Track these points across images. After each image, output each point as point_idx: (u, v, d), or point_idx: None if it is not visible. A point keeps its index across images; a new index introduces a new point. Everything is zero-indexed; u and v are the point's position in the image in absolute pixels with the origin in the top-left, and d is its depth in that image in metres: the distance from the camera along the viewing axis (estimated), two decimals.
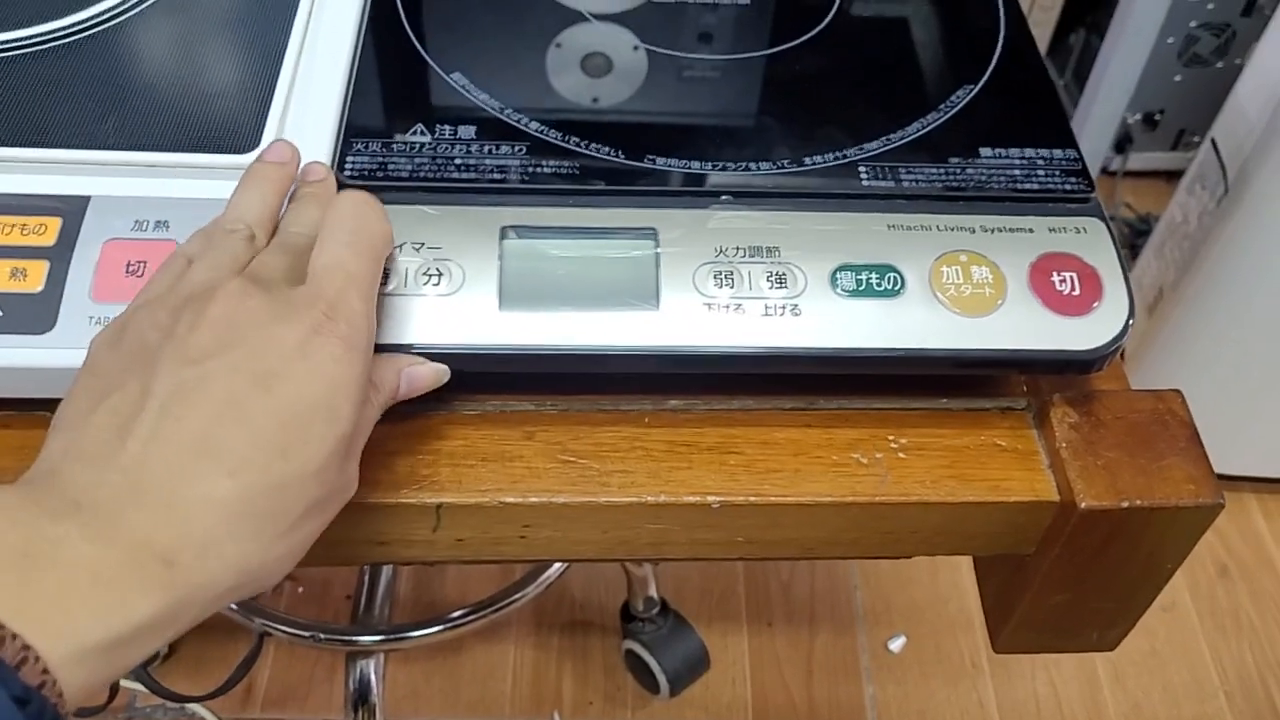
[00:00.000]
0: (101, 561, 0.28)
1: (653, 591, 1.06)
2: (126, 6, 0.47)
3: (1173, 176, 1.40)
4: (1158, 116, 1.54)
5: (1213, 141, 1.14)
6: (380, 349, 0.37)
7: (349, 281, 0.35)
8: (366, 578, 0.94)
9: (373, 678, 0.86)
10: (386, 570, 0.96)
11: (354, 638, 0.88)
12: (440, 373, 0.39)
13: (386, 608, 0.93)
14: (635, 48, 0.50)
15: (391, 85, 0.47)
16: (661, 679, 1.07)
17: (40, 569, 0.28)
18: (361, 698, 0.85)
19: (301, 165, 0.41)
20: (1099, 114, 1.43)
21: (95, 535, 0.29)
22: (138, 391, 0.32)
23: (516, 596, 0.98)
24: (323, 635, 0.89)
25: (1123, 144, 1.56)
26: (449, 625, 0.94)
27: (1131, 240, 1.54)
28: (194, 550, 0.30)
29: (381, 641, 0.89)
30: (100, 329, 0.36)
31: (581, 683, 1.13)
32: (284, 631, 0.91)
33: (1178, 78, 1.49)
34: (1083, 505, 0.40)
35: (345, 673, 0.87)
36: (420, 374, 0.39)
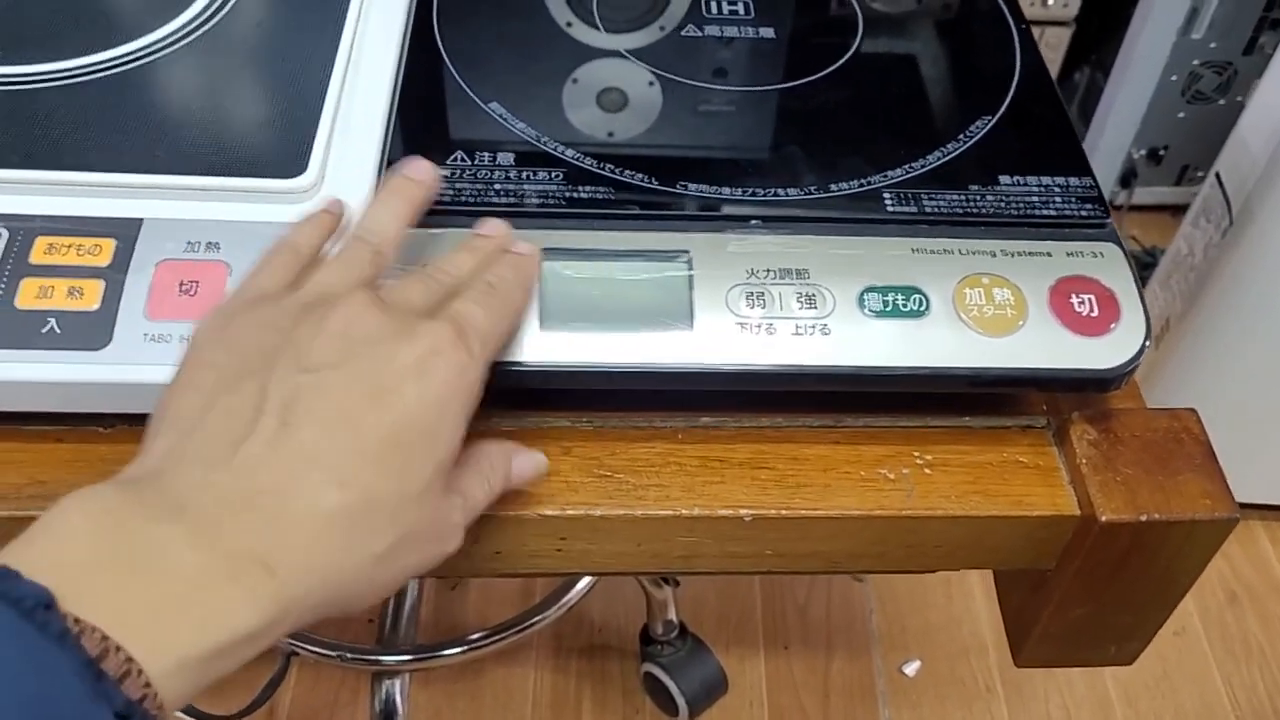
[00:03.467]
0: (205, 570, 0.28)
1: (672, 615, 1.07)
2: (176, 38, 0.49)
3: (1178, 210, 1.42)
4: (1162, 152, 1.57)
5: (1217, 176, 1.15)
6: None
7: (475, 329, 0.35)
8: (391, 599, 0.95)
9: (398, 698, 0.86)
10: (411, 592, 0.97)
11: (380, 658, 0.89)
12: (540, 465, 0.40)
13: (411, 629, 0.93)
14: (658, 80, 0.51)
15: (432, 113, 0.48)
16: (680, 702, 1.08)
17: (144, 576, 0.27)
18: (387, 718, 0.86)
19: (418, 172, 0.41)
20: (1105, 149, 1.45)
21: (199, 541, 0.28)
22: (255, 395, 0.31)
23: (537, 619, 0.99)
24: (349, 655, 0.89)
25: (1128, 179, 1.58)
26: (473, 646, 0.95)
27: (1139, 273, 1.56)
28: (295, 561, 0.30)
29: (408, 661, 0.90)
30: (197, 325, 0.35)
31: (600, 705, 1.13)
32: (311, 651, 0.91)
33: (1181, 114, 1.52)
34: (1103, 519, 0.41)
35: (370, 693, 0.88)
36: (525, 462, 0.40)
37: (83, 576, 0.27)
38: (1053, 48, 1.50)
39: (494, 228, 0.41)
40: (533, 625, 0.99)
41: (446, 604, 1.15)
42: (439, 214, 0.43)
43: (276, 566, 0.29)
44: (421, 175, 0.41)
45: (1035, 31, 1.47)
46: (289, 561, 0.29)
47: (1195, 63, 1.46)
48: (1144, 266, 1.55)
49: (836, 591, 1.23)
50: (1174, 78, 1.46)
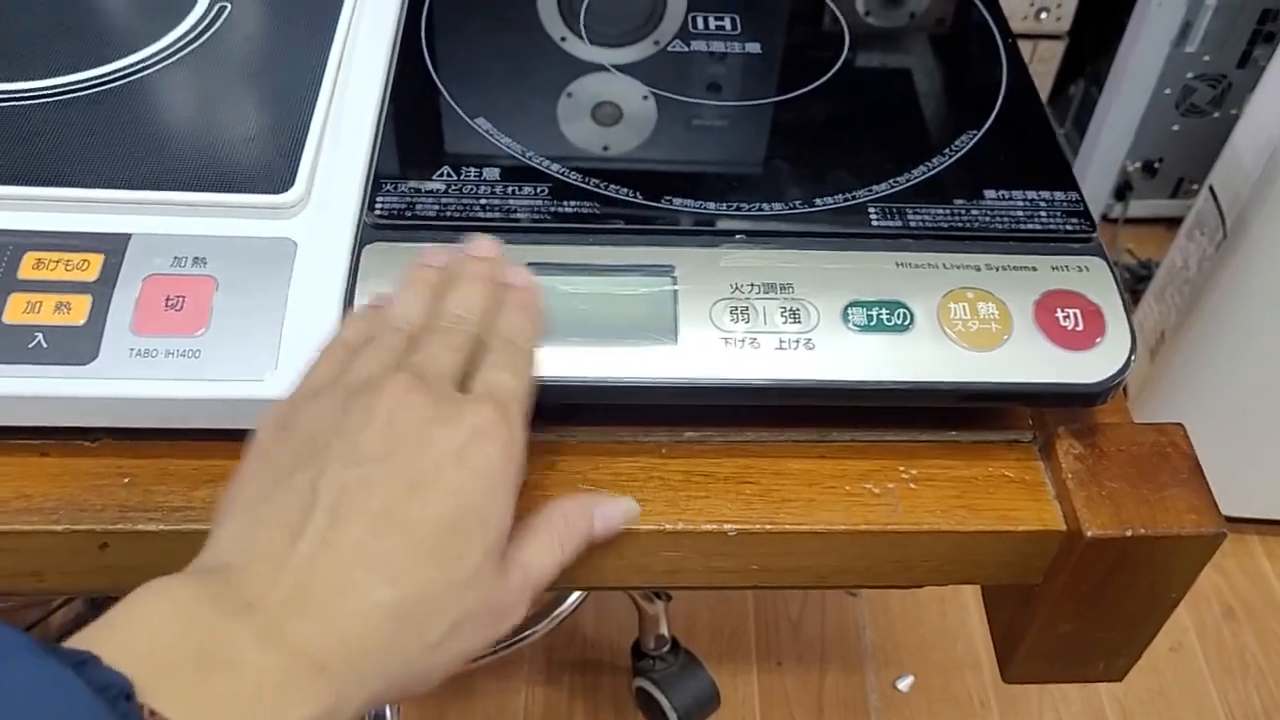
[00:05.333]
0: (267, 669, 0.30)
1: (664, 629, 1.06)
2: (165, 55, 0.49)
3: (1173, 223, 1.42)
4: (1157, 165, 1.57)
5: (1210, 189, 1.16)
6: None
7: (511, 398, 0.36)
8: None
9: (388, 712, 0.86)
10: None
11: None
12: (630, 510, 0.41)
13: None
14: (650, 95, 0.51)
15: (419, 129, 0.49)
16: (672, 717, 1.08)
17: (215, 673, 0.29)
18: None
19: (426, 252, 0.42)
20: (1099, 162, 1.46)
21: (264, 641, 0.30)
22: (307, 490, 0.33)
23: (528, 633, 0.98)
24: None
25: (1123, 191, 1.58)
26: None
27: (1133, 285, 1.56)
28: (352, 659, 0.31)
29: None
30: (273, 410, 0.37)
31: None
32: None
33: (1176, 127, 1.52)
34: (1088, 534, 0.41)
35: None
36: (611, 512, 0.40)
37: (159, 669, 0.28)
38: (1046, 61, 1.50)
39: (487, 248, 0.42)
40: (525, 639, 0.99)
41: None
42: (426, 229, 0.43)
43: (333, 664, 0.31)
44: (439, 260, 0.41)
45: (1029, 45, 1.48)
46: (342, 659, 0.31)
47: (1189, 76, 1.46)
48: (1139, 279, 1.55)
49: (830, 607, 1.22)
50: (1168, 91, 1.47)
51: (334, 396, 0.35)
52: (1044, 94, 1.57)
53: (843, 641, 1.20)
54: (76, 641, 0.28)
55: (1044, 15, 1.44)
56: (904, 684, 1.18)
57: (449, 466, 0.33)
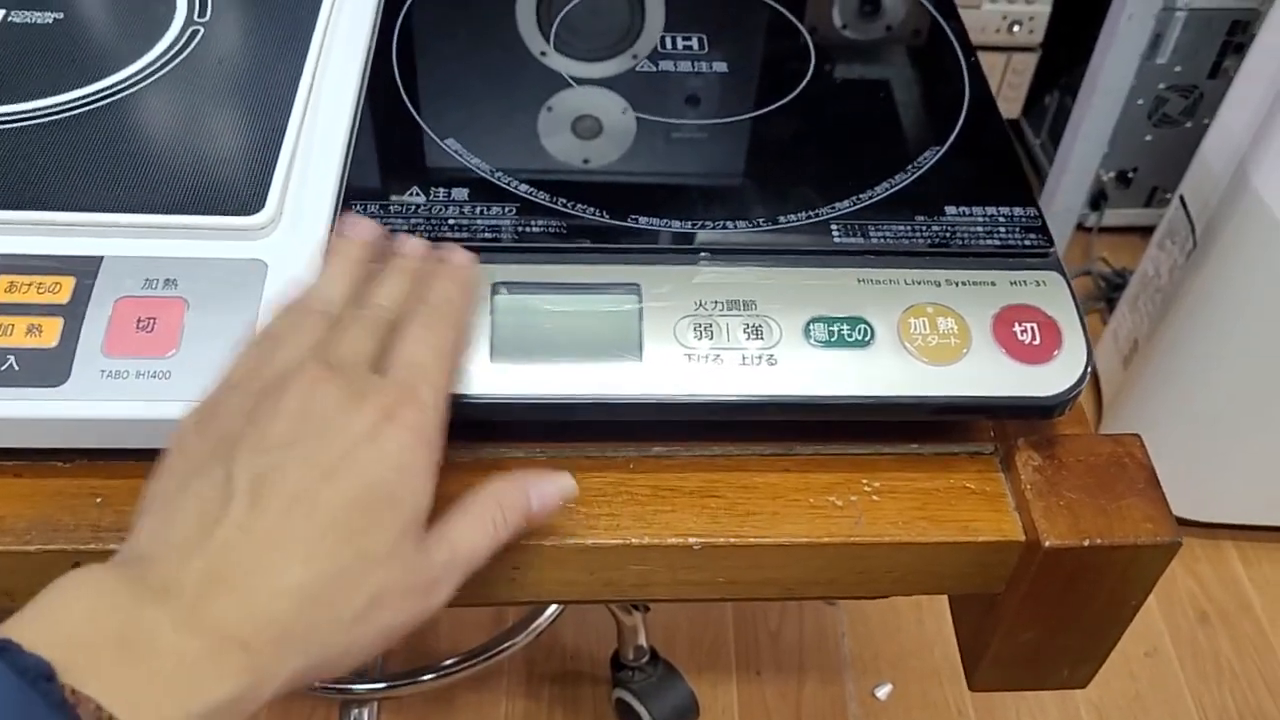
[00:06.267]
0: (186, 649, 0.31)
1: (643, 640, 1.07)
2: (138, 78, 0.50)
3: (1147, 232, 1.44)
4: (1131, 174, 1.59)
5: (1181, 198, 1.17)
6: None
7: (424, 376, 0.37)
8: None
9: (365, 717, 0.86)
10: None
11: (350, 686, 0.89)
12: (566, 486, 0.40)
13: (380, 656, 0.94)
14: (620, 112, 0.52)
15: (389, 149, 0.49)
16: None
17: (133, 654, 0.30)
18: None
19: (376, 237, 0.43)
20: (1074, 172, 1.47)
21: (182, 623, 0.31)
22: (221, 479, 0.34)
23: (507, 645, 0.99)
24: (319, 682, 0.90)
25: (1098, 201, 1.60)
26: (442, 673, 0.95)
27: (1108, 294, 1.58)
28: (269, 637, 0.32)
29: (377, 690, 0.90)
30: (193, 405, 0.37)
31: None
32: None
33: (1149, 137, 1.54)
34: (1047, 544, 0.42)
35: None
36: (548, 490, 0.40)
37: (80, 653, 0.29)
38: (1020, 73, 1.52)
39: (412, 246, 0.43)
40: (504, 651, 0.99)
41: (417, 630, 1.14)
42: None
43: (250, 642, 0.32)
44: (360, 233, 0.42)
45: (1002, 58, 1.49)
46: (261, 637, 0.32)
47: (1161, 86, 1.48)
48: (1114, 288, 1.57)
49: (809, 616, 1.23)
50: (1140, 101, 1.49)
51: (249, 389, 0.36)
52: (1019, 106, 1.59)
53: (821, 650, 1.20)
54: None
55: (1016, 28, 1.46)
56: (882, 692, 1.18)
57: (358, 449, 0.34)
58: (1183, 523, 1.25)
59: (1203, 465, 1.18)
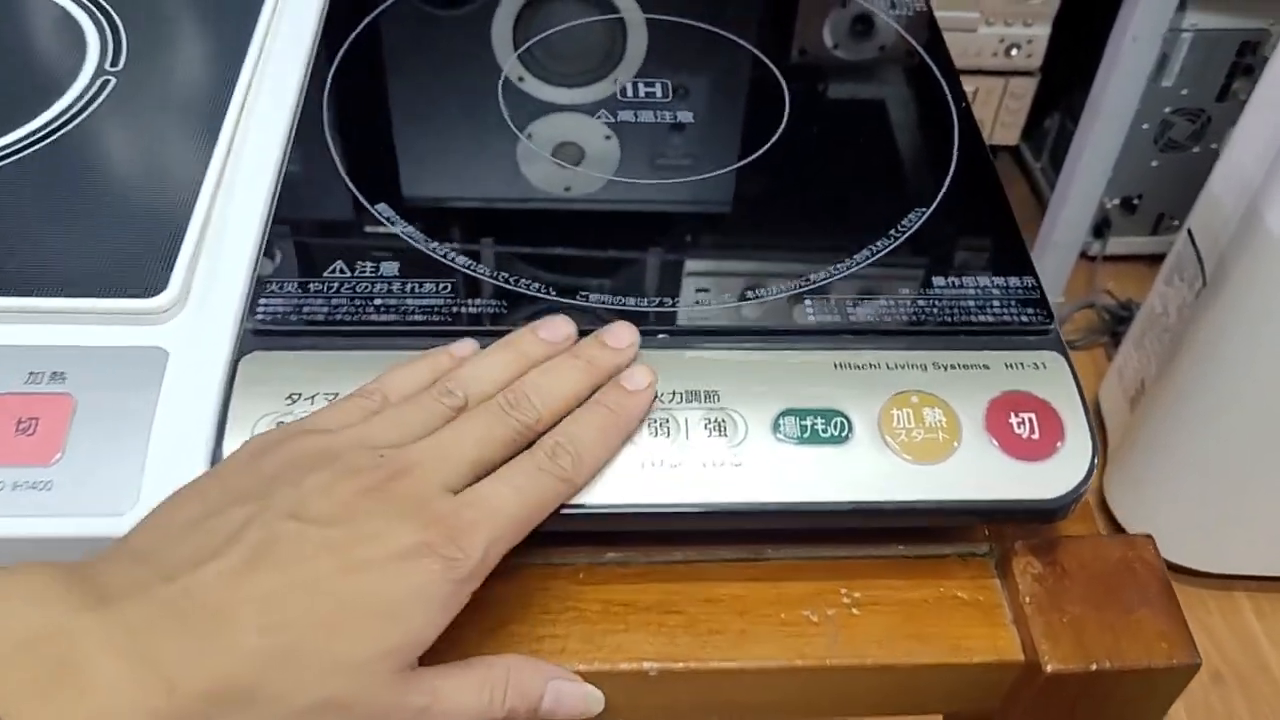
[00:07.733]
0: (103, 671, 0.28)
1: None
2: (32, 140, 0.45)
3: (1154, 260, 1.38)
4: (1136, 201, 1.54)
5: (1189, 233, 1.12)
6: None
7: (489, 523, 0.33)
8: None
9: None
10: None
11: None
12: (591, 698, 0.37)
13: None
14: (570, 177, 0.47)
15: (312, 217, 0.45)
16: None
17: (44, 667, 0.28)
18: None
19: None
20: (1076, 199, 1.42)
21: (110, 640, 0.28)
22: (237, 524, 0.31)
23: None
24: None
25: (1102, 229, 1.55)
26: None
27: (1113, 327, 1.52)
28: (197, 689, 0.29)
29: None
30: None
31: None
32: None
33: (1155, 163, 1.49)
34: (1048, 669, 0.37)
35: None
36: (569, 692, 0.36)
37: None
38: (1018, 98, 1.47)
39: (626, 337, 0.39)
40: None
41: None
42: (312, 334, 0.39)
43: (177, 686, 0.29)
44: (552, 334, 0.39)
45: (1000, 82, 1.45)
46: (190, 684, 0.29)
47: (1167, 110, 1.43)
48: (1119, 320, 1.52)
49: None
50: (1145, 125, 1.44)
51: (320, 445, 0.34)
52: (1017, 132, 1.55)
53: None
54: None
55: (1015, 52, 1.41)
56: None
57: (387, 562, 0.31)
58: (1195, 574, 1.22)
59: (1215, 514, 1.12)
